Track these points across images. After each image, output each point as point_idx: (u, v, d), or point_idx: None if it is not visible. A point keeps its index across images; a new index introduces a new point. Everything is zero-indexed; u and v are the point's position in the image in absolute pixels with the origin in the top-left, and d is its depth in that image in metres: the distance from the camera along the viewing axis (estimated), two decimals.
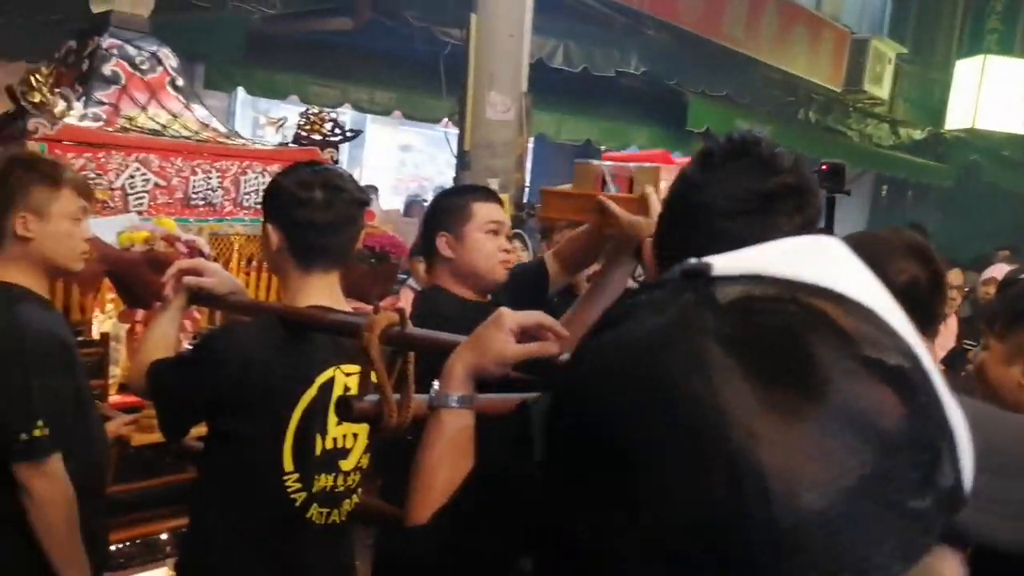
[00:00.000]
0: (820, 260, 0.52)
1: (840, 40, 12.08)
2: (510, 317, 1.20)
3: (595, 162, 2.14)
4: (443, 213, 2.31)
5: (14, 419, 1.94)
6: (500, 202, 2.41)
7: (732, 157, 1.04)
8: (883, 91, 12.55)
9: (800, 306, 0.48)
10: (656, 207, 1.73)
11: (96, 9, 2.93)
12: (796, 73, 11.25)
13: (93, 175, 2.43)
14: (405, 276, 4.27)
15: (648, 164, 1.98)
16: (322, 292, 1.87)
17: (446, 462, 1.15)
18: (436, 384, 1.19)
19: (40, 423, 1.94)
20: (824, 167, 2.71)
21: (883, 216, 14.47)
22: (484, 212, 2.27)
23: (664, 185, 1.80)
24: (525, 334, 1.20)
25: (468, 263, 2.24)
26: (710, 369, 0.46)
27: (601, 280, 2.10)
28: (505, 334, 1.18)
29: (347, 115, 8.47)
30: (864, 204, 14.64)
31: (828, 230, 2.76)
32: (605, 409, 0.49)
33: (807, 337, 0.46)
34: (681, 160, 1.97)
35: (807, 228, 1.05)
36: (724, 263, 0.51)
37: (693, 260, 0.52)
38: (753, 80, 10.32)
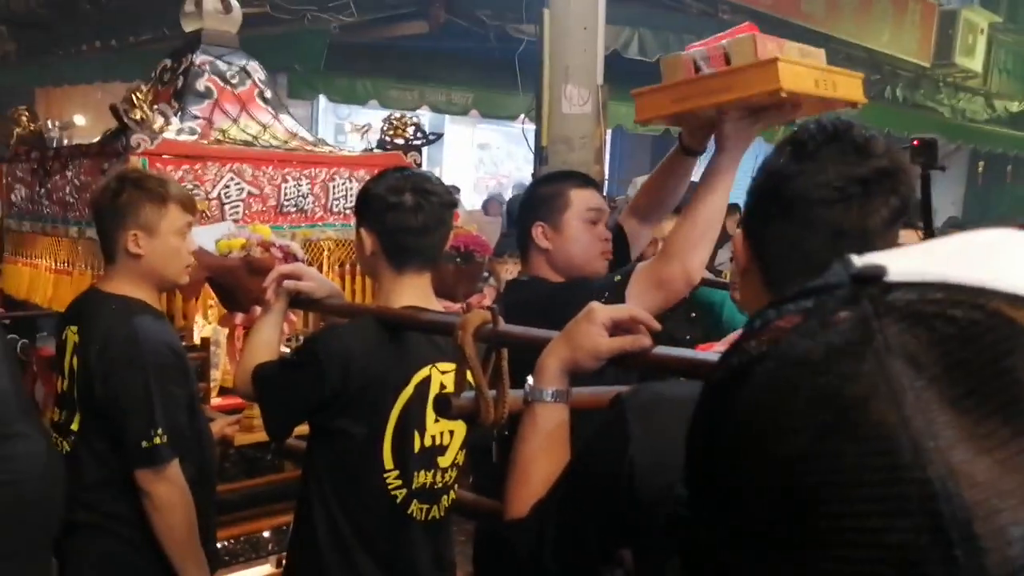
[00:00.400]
0: (1014, 260, 0.45)
1: (927, 12, 11.64)
2: (602, 311, 1.21)
3: (681, 53, 2.02)
4: (539, 201, 2.24)
5: (136, 427, 2.02)
6: (599, 188, 2.33)
7: (825, 144, 1.03)
8: (976, 63, 12.05)
9: (998, 319, 0.41)
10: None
11: (188, 28, 3.04)
12: (881, 50, 10.90)
13: (191, 186, 2.53)
14: (487, 275, 4.31)
15: (742, 35, 1.88)
16: (415, 293, 1.92)
17: (542, 456, 1.17)
18: (530, 379, 1.21)
19: (160, 430, 2.02)
20: (915, 143, 2.62)
21: (980, 192, 13.93)
22: (582, 199, 2.19)
23: (763, 52, 1.73)
24: (617, 328, 1.20)
25: (565, 254, 2.18)
26: (899, 394, 0.40)
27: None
28: (597, 328, 1.19)
29: (425, 116, 8.58)
30: (960, 180, 14.12)
31: (925, 207, 2.66)
32: (774, 436, 0.43)
33: (1010, 356, 0.40)
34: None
35: (902, 209, 1.03)
36: (900, 267, 0.44)
37: (860, 261, 0.45)
38: (835, 59, 9.97)
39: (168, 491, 2.04)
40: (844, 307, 0.44)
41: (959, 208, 13.48)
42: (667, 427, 1.01)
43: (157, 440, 2.02)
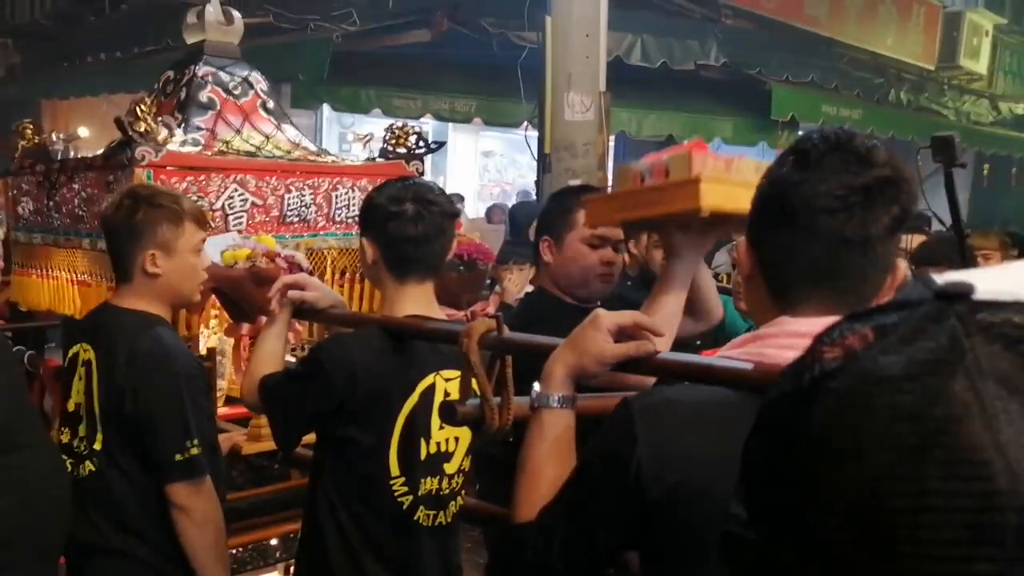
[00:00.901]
0: None
1: (931, 15, 11.64)
2: (607, 317, 1.22)
3: (633, 164, 2.05)
4: (550, 215, 2.29)
5: (170, 439, 1.99)
6: None
7: (828, 154, 1.05)
8: (981, 66, 12.04)
9: None
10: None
11: (190, 40, 3.06)
12: (884, 53, 10.89)
13: (195, 198, 2.54)
14: (490, 283, 4.32)
15: (680, 152, 1.90)
16: (418, 301, 1.94)
17: (550, 461, 1.18)
18: (536, 386, 1.22)
19: (195, 441, 1.99)
20: (931, 141, 2.61)
21: (986, 195, 13.89)
22: None
23: (698, 169, 1.77)
24: (623, 334, 1.22)
25: (564, 271, 2.22)
26: (993, 417, 0.38)
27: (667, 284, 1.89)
28: (603, 334, 1.20)
29: (428, 125, 8.60)
30: (965, 183, 14.07)
31: (952, 206, 2.64)
32: (853, 456, 0.41)
33: None
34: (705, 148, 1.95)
35: (903, 218, 1.05)
36: (987, 284, 0.43)
37: (947, 279, 0.43)
38: (839, 63, 10.05)
39: (206, 505, 2.02)
40: (929, 324, 0.42)
41: (964, 211, 13.39)
42: (675, 429, 1.03)
43: (194, 451, 2.00)
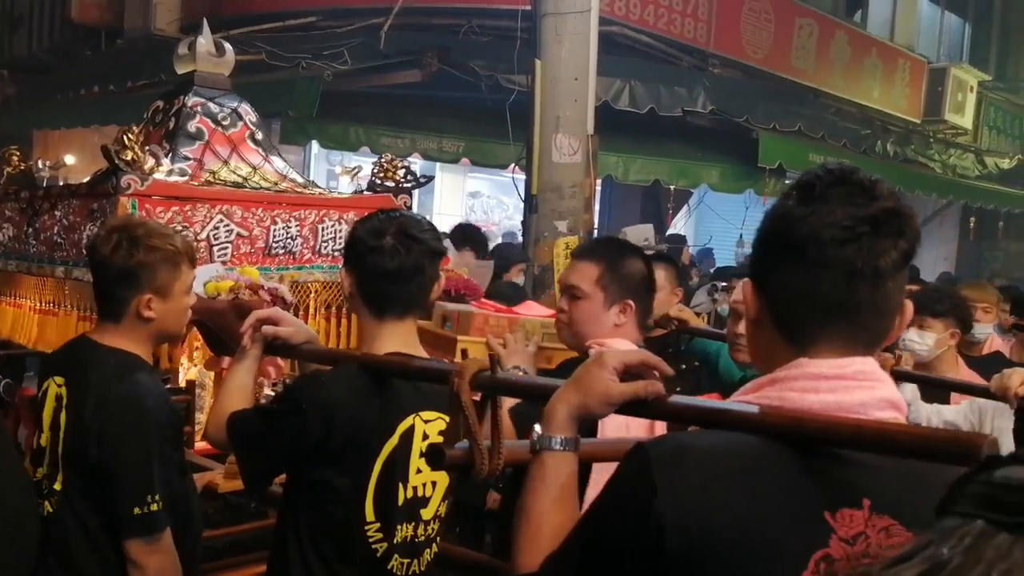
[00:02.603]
0: None
1: (916, 70, 11.85)
2: (613, 355, 1.17)
3: (450, 305, 2.74)
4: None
5: (131, 492, 1.89)
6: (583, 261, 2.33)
7: (832, 186, 1.03)
8: (966, 120, 12.25)
9: None
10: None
11: (180, 70, 3.03)
12: (871, 105, 11.06)
13: (180, 227, 2.50)
14: None
15: (468, 310, 2.68)
16: (398, 339, 1.87)
17: (553, 507, 1.13)
18: (538, 427, 1.17)
19: (156, 496, 1.90)
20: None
21: (972, 248, 14.03)
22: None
23: (478, 327, 2.33)
24: (629, 373, 1.17)
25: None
26: None
27: None
28: (608, 373, 1.15)
29: (416, 164, 8.61)
30: (952, 236, 14.23)
31: None
32: None
33: None
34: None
35: (910, 253, 1.04)
36: None
37: None
38: (825, 113, 10.18)
39: (161, 562, 1.92)
40: None
41: (952, 264, 13.56)
42: (697, 478, 0.97)
43: (154, 507, 1.90)
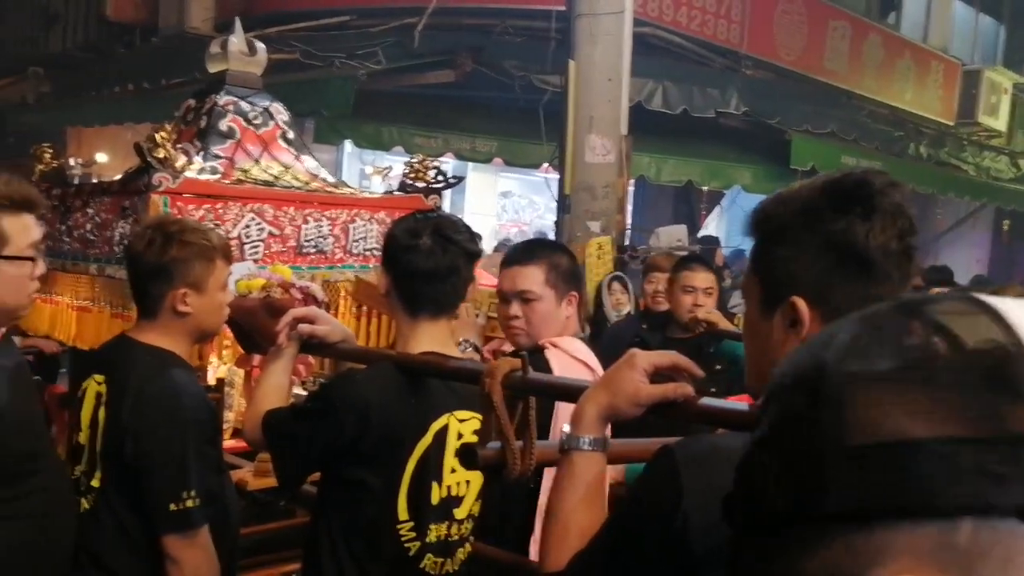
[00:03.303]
0: None
1: (950, 72, 11.70)
2: (643, 357, 1.16)
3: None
4: None
5: (167, 488, 1.90)
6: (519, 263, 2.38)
7: (882, 195, 1.03)
8: (1000, 123, 12.07)
9: None
10: None
11: (213, 69, 3.05)
12: (903, 107, 10.93)
13: (212, 225, 2.50)
14: None
15: None
16: (433, 338, 1.87)
17: (581, 507, 1.12)
18: (566, 427, 1.15)
19: (193, 492, 1.90)
20: None
21: (1006, 251, 13.81)
22: None
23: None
24: (659, 373, 1.15)
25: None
26: None
27: None
28: (638, 374, 1.14)
29: (449, 164, 8.63)
30: (985, 239, 14.03)
31: None
32: None
33: None
34: None
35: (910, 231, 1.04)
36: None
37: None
38: (858, 115, 10.06)
39: (196, 558, 1.92)
40: None
41: (984, 267, 13.37)
42: (724, 480, 0.94)
43: (189, 503, 1.90)
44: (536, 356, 2.14)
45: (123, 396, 1.95)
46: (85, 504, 1.99)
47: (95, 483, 1.99)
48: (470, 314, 2.38)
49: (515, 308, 2.30)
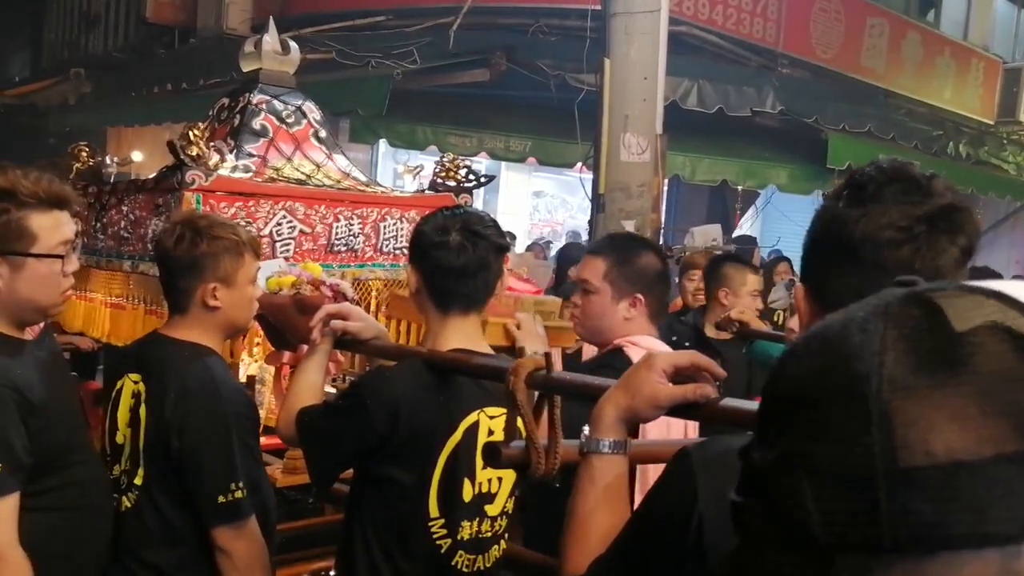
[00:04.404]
0: None
1: (991, 70, 11.50)
2: (662, 358, 1.15)
3: None
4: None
5: (214, 481, 1.92)
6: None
7: (886, 185, 0.99)
8: None
9: None
10: None
11: (246, 68, 3.07)
12: (943, 106, 10.76)
13: (244, 223, 2.52)
14: None
15: None
16: (462, 335, 1.86)
17: (600, 510, 1.11)
18: (586, 429, 1.14)
19: (240, 484, 1.92)
20: None
21: None
22: None
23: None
24: (679, 375, 1.14)
25: None
26: None
27: None
28: (657, 375, 1.12)
29: (482, 164, 8.64)
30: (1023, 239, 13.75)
31: None
32: None
33: None
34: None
35: (969, 250, 1.00)
36: None
37: None
38: (896, 114, 9.91)
39: (249, 548, 1.94)
40: None
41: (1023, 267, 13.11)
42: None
43: (238, 494, 1.92)
44: (616, 355, 2.16)
45: (164, 393, 1.97)
46: (126, 503, 2.02)
47: (137, 481, 2.01)
48: (537, 323, 2.35)
49: (576, 297, 2.30)
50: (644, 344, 2.19)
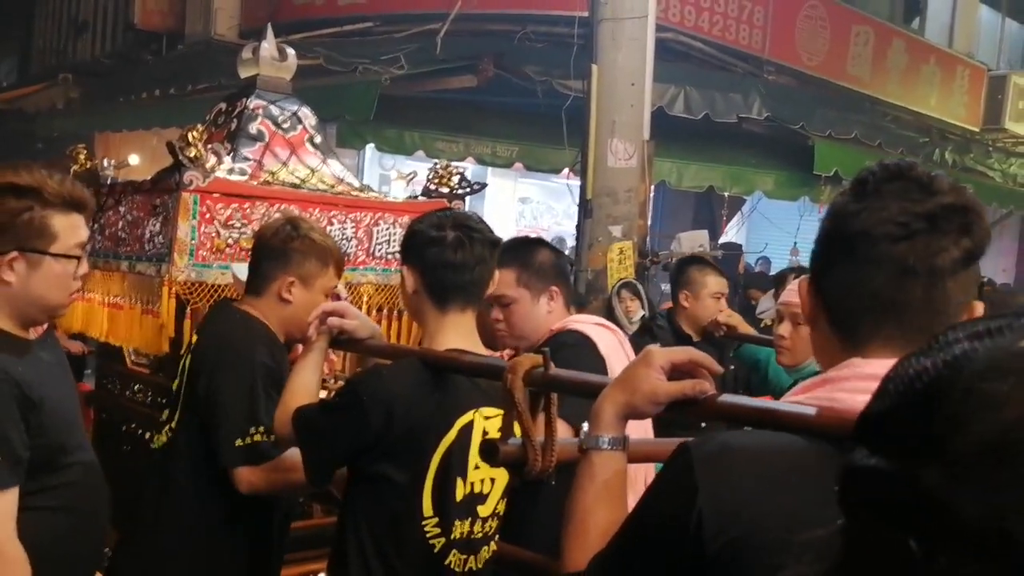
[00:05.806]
0: None
1: (976, 77, 11.60)
2: (660, 354, 1.16)
3: None
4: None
5: (232, 425, 2.06)
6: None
7: (887, 181, 1.00)
8: None
9: None
10: None
11: (244, 74, 3.10)
12: (928, 113, 10.85)
13: (239, 224, 2.57)
14: None
15: None
16: (459, 333, 1.89)
17: (600, 506, 1.12)
18: (585, 426, 1.17)
19: (261, 428, 2.04)
20: None
21: None
22: None
23: None
24: (677, 371, 1.15)
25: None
26: None
27: None
28: (656, 372, 1.14)
29: (469, 169, 8.65)
30: (1011, 247, 13.87)
31: None
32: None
33: None
34: None
35: (975, 252, 0.99)
36: None
37: None
38: (882, 121, 10.00)
39: (271, 477, 2.06)
40: None
41: (1011, 276, 13.21)
42: (739, 479, 0.95)
43: (257, 437, 2.05)
44: (564, 333, 2.30)
45: (207, 341, 2.17)
46: (162, 439, 2.23)
47: (174, 423, 2.19)
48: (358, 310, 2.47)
49: (496, 312, 2.37)
50: (585, 320, 2.35)
